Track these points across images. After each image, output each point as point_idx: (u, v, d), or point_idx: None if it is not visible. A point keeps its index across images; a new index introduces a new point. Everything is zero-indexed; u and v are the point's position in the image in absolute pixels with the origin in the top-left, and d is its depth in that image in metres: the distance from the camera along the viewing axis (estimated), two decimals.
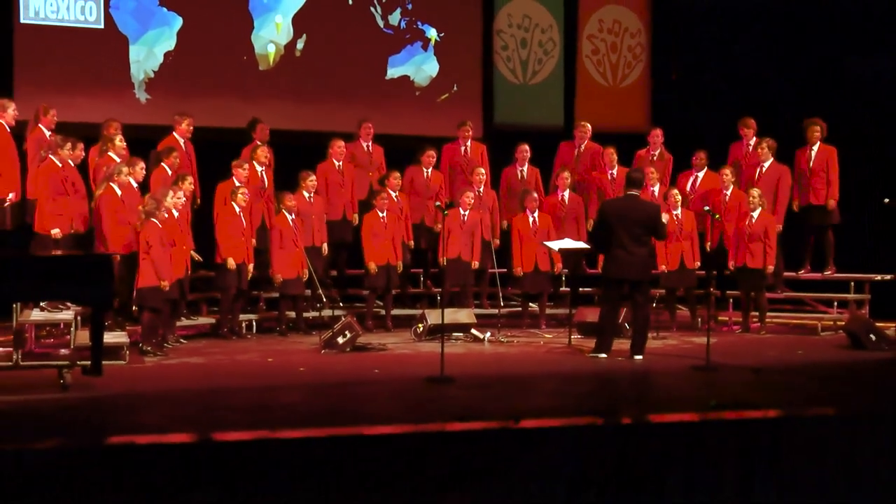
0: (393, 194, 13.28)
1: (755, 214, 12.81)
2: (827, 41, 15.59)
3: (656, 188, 13.49)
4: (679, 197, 13.09)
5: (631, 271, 10.97)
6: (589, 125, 14.53)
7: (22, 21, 13.42)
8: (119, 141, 11.85)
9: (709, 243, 13.25)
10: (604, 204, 11.80)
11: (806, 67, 15.69)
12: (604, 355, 10.99)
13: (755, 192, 12.88)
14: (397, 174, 13.43)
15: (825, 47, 15.60)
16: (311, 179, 12.88)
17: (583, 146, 14.39)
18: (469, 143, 14.20)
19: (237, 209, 12.18)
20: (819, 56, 15.62)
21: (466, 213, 13.25)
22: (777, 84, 15.77)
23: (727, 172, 13.25)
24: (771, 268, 12.88)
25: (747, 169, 13.54)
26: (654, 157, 14.17)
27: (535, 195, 13.52)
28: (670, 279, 13.13)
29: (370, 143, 13.80)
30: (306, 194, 12.81)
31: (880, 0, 15.26)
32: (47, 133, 11.61)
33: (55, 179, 11.18)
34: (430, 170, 13.81)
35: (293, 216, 12.52)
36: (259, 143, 13.08)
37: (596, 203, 13.48)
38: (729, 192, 13.18)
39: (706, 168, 13.78)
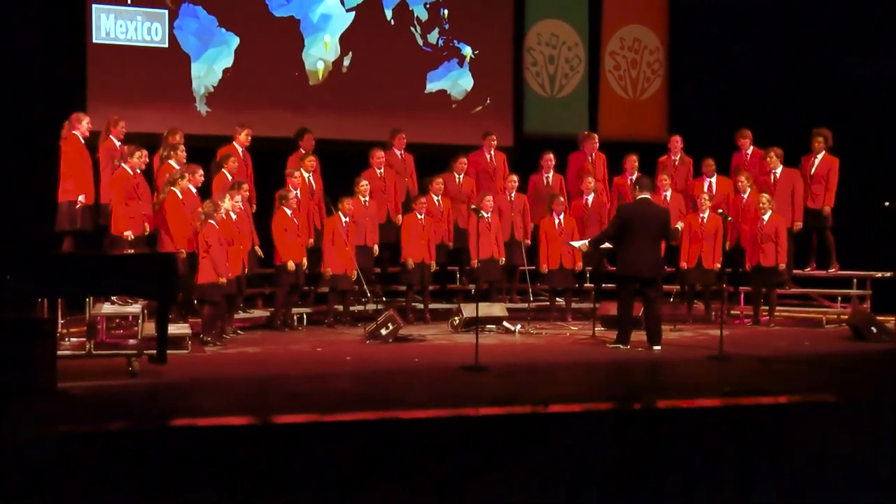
0: (436, 198, 13.32)
1: (766, 217, 12.75)
2: (827, 42, 15.42)
3: (668, 193, 13.45)
4: (707, 199, 13.05)
5: (643, 269, 10.96)
6: (596, 135, 14.53)
7: (94, 41, 13.51)
8: (181, 151, 11.92)
9: (728, 243, 13.16)
10: (622, 207, 11.77)
11: (806, 68, 15.53)
12: (624, 346, 11.01)
13: (765, 196, 12.82)
14: (440, 180, 13.43)
15: (825, 48, 15.41)
16: (364, 184, 12.92)
17: (593, 155, 14.34)
18: (493, 152, 14.19)
19: (289, 212, 12.25)
20: (819, 57, 15.44)
21: (489, 215, 13.21)
22: (777, 85, 15.62)
23: (742, 179, 13.15)
24: (783, 265, 12.82)
25: (760, 176, 13.43)
26: (676, 162, 14.13)
27: (562, 199, 13.51)
28: (690, 276, 13.07)
29: (402, 151, 13.82)
30: (362, 198, 12.85)
31: (880, 0, 15.05)
32: (117, 143, 11.72)
33: (127, 185, 11.27)
34: (461, 175, 13.81)
35: (347, 218, 12.57)
36: (304, 151, 13.12)
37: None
38: (746, 196, 13.09)
39: (716, 174, 13.73)
